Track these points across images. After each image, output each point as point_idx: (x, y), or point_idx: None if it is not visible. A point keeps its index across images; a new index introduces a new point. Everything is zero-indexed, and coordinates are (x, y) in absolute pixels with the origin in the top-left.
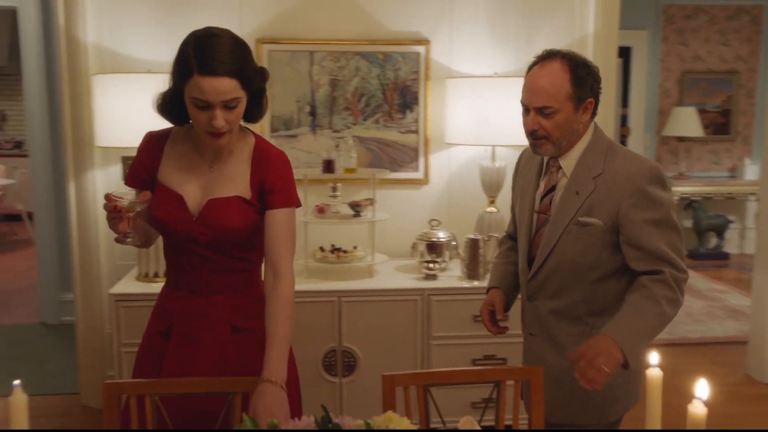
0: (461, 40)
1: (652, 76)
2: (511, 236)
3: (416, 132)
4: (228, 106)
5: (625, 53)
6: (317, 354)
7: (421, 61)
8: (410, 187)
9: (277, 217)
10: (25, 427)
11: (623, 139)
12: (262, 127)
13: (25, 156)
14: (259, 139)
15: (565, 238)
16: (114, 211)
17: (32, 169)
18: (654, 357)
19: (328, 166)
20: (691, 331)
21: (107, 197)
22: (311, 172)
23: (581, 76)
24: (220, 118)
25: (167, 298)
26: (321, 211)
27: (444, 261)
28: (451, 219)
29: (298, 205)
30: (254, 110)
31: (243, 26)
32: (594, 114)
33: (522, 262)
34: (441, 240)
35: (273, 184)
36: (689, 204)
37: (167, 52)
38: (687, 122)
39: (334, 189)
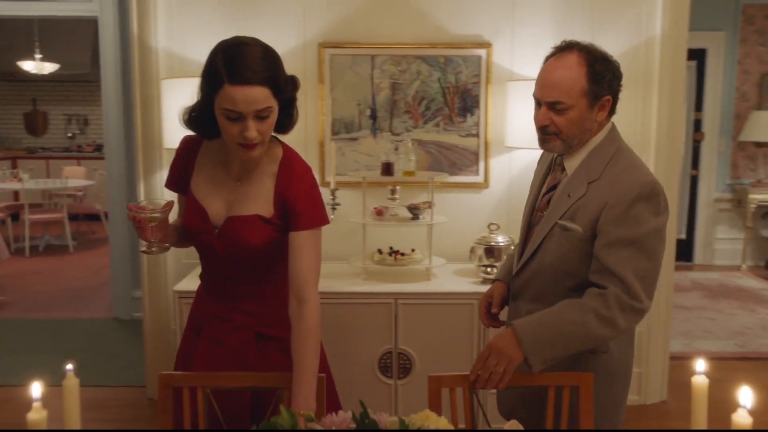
0: (523, 42)
1: (729, 79)
2: None
3: (476, 135)
4: (260, 116)
5: (699, 56)
6: (373, 356)
7: (483, 65)
8: (470, 190)
9: (300, 239)
10: (77, 411)
11: (696, 144)
12: (323, 131)
13: (103, 158)
14: (287, 153)
15: (548, 240)
16: (135, 221)
17: (108, 170)
18: (701, 364)
19: (387, 169)
20: (766, 345)
21: (128, 208)
22: (370, 175)
23: (599, 71)
24: (253, 129)
25: (199, 300)
26: (379, 213)
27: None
28: (510, 223)
29: (324, 223)
30: (284, 120)
31: (306, 31)
32: (612, 112)
33: (515, 259)
34: (500, 244)
35: (295, 203)
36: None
37: None
38: (766, 127)
39: (393, 192)
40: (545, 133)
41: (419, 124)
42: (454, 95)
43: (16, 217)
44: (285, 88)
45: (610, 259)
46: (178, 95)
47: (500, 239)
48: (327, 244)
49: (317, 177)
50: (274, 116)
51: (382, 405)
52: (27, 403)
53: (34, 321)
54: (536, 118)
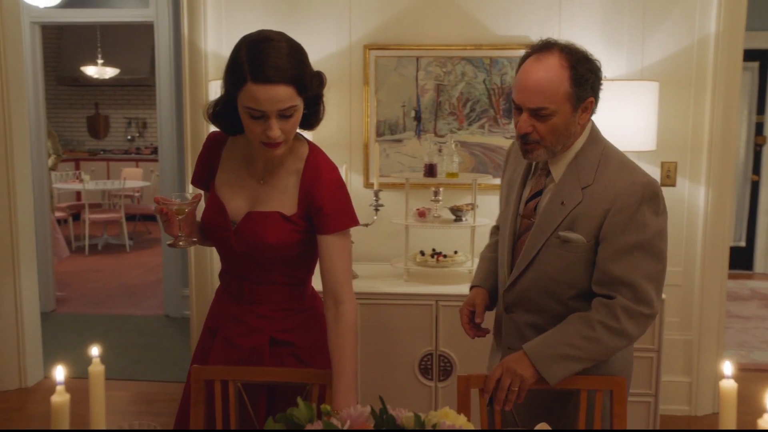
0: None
1: None
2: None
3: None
4: (284, 115)
5: (761, 57)
6: (413, 357)
7: None
8: None
9: (331, 242)
10: (102, 396)
11: (758, 148)
12: (367, 133)
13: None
14: (313, 151)
15: (546, 251)
16: (162, 214)
17: (161, 171)
18: (728, 367)
19: (430, 170)
20: None
21: (155, 200)
22: (413, 177)
23: (582, 73)
24: (276, 129)
25: (218, 300)
26: (422, 215)
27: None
28: None
29: (354, 224)
30: (310, 118)
31: (352, 33)
32: (592, 114)
33: (502, 269)
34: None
35: (323, 204)
36: None
37: None
38: None
39: (436, 193)
40: (527, 142)
41: (464, 125)
42: (499, 97)
43: (77, 216)
44: (310, 86)
45: (619, 267)
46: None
47: None
48: (370, 245)
49: (361, 179)
50: (298, 115)
51: (422, 407)
52: (81, 394)
53: (90, 316)
54: (517, 125)
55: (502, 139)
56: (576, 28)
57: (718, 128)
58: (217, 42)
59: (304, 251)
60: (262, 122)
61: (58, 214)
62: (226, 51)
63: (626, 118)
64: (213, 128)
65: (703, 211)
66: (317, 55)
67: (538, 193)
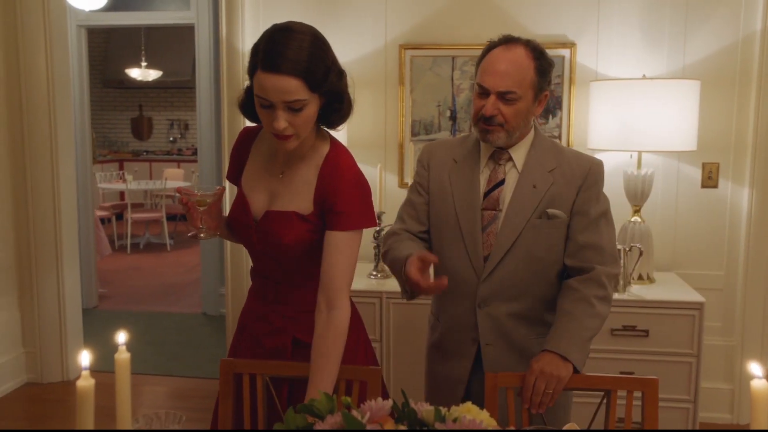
0: (608, 41)
1: None
2: (411, 232)
3: (559, 137)
4: (292, 108)
5: None
6: None
7: (566, 65)
8: None
9: (336, 240)
10: (127, 384)
11: None
12: (402, 133)
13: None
14: (335, 148)
15: (527, 233)
16: (183, 205)
17: (200, 172)
18: (756, 368)
19: None
20: None
21: (178, 191)
22: None
23: (544, 66)
24: (281, 120)
25: (249, 298)
26: None
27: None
28: None
29: (366, 225)
30: (332, 115)
31: (387, 33)
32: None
33: (464, 268)
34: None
35: (335, 202)
36: None
37: None
38: None
39: None
40: (490, 124)
41: None
42: None
43: (120, 216)
44: (324, 82)
45: (590, 235)
46: None
47: None
48: None
49: (395, 179)
50: (309, 110)
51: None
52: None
53: (130, 313)
54: (482, 108)
55: None
56: (615, 26)
57: (763, 128)
58: (255, 42)
59: (319, 252)
60: (271, 112)
61: (102, 213)
62: None
63: (666, 117)
64: (249, 124)
65: (747, 213)
66: (353, 55)
67: (500, 183)
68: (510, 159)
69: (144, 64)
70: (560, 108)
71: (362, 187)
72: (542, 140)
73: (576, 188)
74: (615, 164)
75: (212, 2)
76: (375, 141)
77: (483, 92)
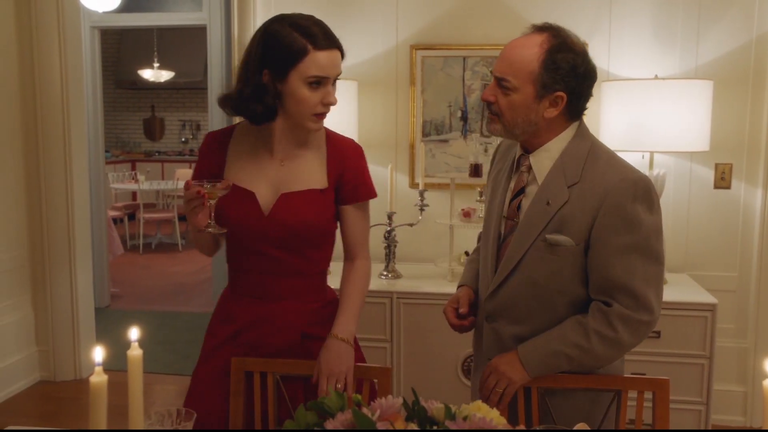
0: (620, 41)
1: None
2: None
3: None
4: (334, 82)
5: None
6: (456, 358)
7: None
8: None
9: (357, 210)
10: (139, 380)
11: None
12: (413, 133)
13: None
14: (328, 130)
15: (531, 256)
16: (197, 197)
17: None
18: None
19: (476, 171)
20: None
21: (188, 184)
22: (459, 177)
23: (556, 60)
24: (334, 94)
25: (233, 304)
26: (467, 215)
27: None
28: None
29: (375, 195)
30: None
31: (398, 33)
32: (573, 115)
33: (485, 275)
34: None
35: (353, 176)
36: None
37: None
38: None
39: (481, 194)
40: (490, 112)
41: None
42: None
43: (132, 216)
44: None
45: (616, 271)
46: None
47: None
48: (414, 246)
49: (406, 179)
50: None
51: None
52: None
53: (142, 312)
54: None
55: None
56: (627, 27)
57: None
58: None
59: (332, 228)
60: (321, 90)
61: (114, 213)
62: None
63: (679, 117)
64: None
65: (760, 214)
66: (364, 56)
67: (521, 191)
68: (530, 167)
69: (156, 64)
70: None
71: (365, 159)
72: (579, 147)
73: (592, 212)
74: None
75: (224, 3)
76: (386, 141)
77: (492, 76)
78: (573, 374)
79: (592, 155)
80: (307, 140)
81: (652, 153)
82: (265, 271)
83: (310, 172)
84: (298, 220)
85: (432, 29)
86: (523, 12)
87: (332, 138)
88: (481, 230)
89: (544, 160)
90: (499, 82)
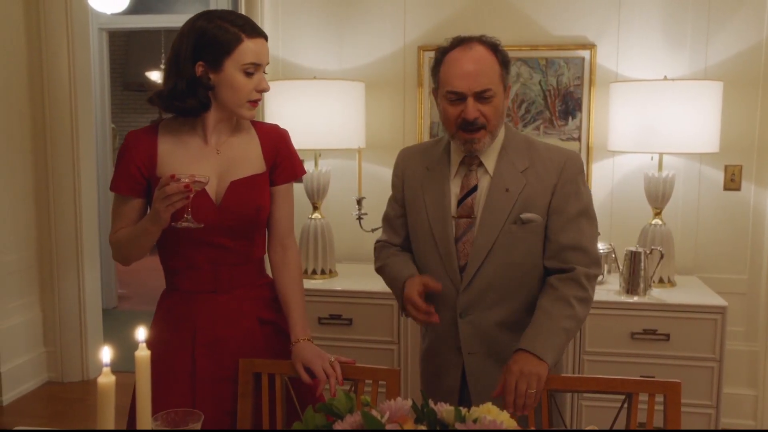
0: (629, 43)
1: None
2: (401, 246)
3: (578, 139)
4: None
5: None
6: None
7: (586, 66)
8: None
9: (284, 191)
10: (147, 381)
11: None
12: (421, 134)
13: None
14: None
15: (503, 240)
16: (182, 192)
17: None
18: None
19: None
20: None
21: (173, 177)
22: None
23: (505, 59)
24: (266, 81)
25: (183, 305)
26: None
27: (602, 274)
28: (612, 230)
29: (304, 172)
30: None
31: (406, 35)
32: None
33: (442, 278)
34: (600, 252)
35: (284, 158)
36: None
37: (332, 61)
38: None
39: None
40: (472, 129)
41: (519, 127)
42: (555, 98)
43: None
44: None
45: (571, 235)
46: (281, 98)
47: (600, 246)
48: None
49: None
50: None
51: None
52: None
53: (149, 313)
54: (463, 113)
55: (558, 141)
56: (635, 27)
57: None
58: (274, 46)
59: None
60: (256, 78)
61: None
62: (282, 54)
63: (688, 119)
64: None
65: None
66: (371, 57)
67: (473, 190)
68: (481, 164)
69: (164, 66)
70: (580, 110)
71: (291, 140)
72: (514, 138)
73: (551, 187)
74: (636, 166)
75: (232, 5)
76: (393, 142)
77: (457, 98)
78: (583, 378)
79: (530, 143)
80: (239, 128)
81: (661, 154)
82: (217, 262)
83: (248, 158)
84: (251, 207)
85: (440, 30)
86: (531, 13)
87: (258, 124)
88: (380, 241)
89: (491, 154)
90: (480, 95)
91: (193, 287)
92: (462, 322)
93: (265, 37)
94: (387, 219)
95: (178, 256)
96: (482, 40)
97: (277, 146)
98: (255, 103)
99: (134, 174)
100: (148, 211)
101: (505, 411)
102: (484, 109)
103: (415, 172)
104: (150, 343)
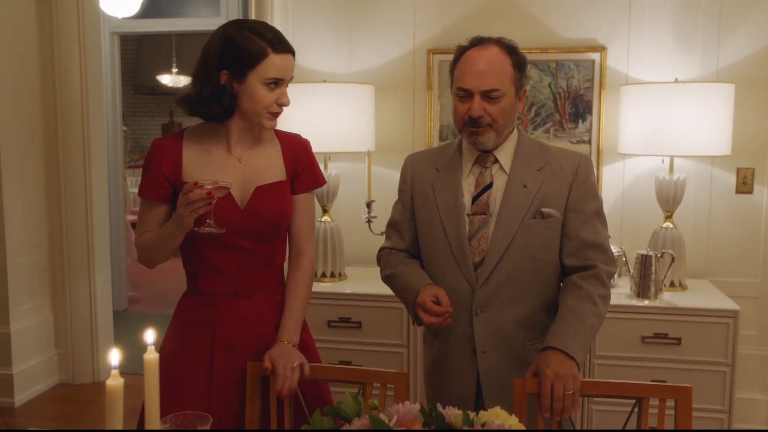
0: (640, 45)
1: None
2: (407, 252)
3: (588, 142)
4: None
5: None
6: None
7: (596, 69)
8: None
9: (306, 199)
10: (156, 383)
11: None
12: (430, 137)
13: None
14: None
15: (522, 234)
16: (205, 198)
17: None
18: None
19: None
20: None
21: (196, 185)
22: None
23: (520, 61)
24: (287, 95)
25: (204, 308)
26: None
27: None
28: (623, 233)
29: (323, 182)
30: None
31: (416, 38)
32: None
33: (454, 277)
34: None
35: (305, 166)
36: None
37: (342, 64)
38: None
39: None
40: (478, 126)
41: (529, 130)
42: (565, 101)
43: None
44: None
45: (590, 233)
46: (291, 101)
47: (613, 249)
48: None
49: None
50: None
51: None
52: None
53: (160, 315)
54: (470, 110)
55: (568, 144)
56: (646, 30)
57: None
58: None
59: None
60: (277, 91)
61: (133, 217)
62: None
63: (700, 121)
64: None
65: None
66: (381, 60)
67: (488, 187)
68: (496, 161)
69: (175, 70)
70: (590, 112)
71: (312, 150)
72: (527, 139)
73: (568, 185)
74: (646, 169)
75: (242, 9)
76: (403, 145)
77: (465, 95)
78: (594, 381)
79: (541, 145)
80: (261, 137)
81: (672, 157)
82: (239, 265)
83: (270, 166)
84: (275, 211)
85: (449, 33)
86: (540, 16)
87: (281, 134)
88: (385, 250)
89: (507, 153)
90: (488, 94)
91: (215, 290)
92: (477, 320)
93: (293, 53)
94: (392, 224)
95: (202, 259)
96: (499, 42)
97: (298, 155)
98: (276, 114)
99: (161, 180)
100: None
101: (513, 416)
102: (490, 109)
103: (424, 174)
104: (167, 345)
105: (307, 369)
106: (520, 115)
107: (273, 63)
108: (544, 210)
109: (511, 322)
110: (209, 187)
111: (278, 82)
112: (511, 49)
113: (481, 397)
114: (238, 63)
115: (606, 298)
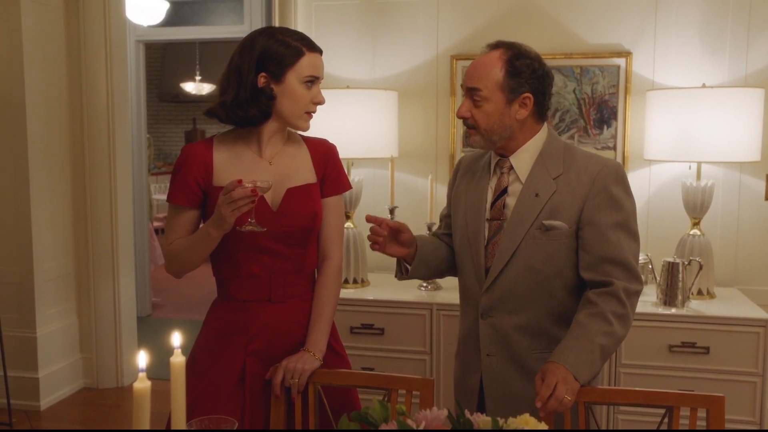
0: (666, 50)
1: None
2: (449, 244)
3: (613, 148)
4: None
5: None
6: None
7: (621, 74)
8: None
9: (334, 203)
10: (182, 386)
11: None
12: (454, 143)
13: None
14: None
15: (527, 244)
16: (249, 196)
17: None
18: None
19: None
20: None
21: (239, 183)
22: None
23: (517, 66)
24: (321, 93)
25: (235, 313)
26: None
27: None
28: (649, 241)
29: (351, 186)
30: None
31: (439, 44)
32: (541, 115)
33: (469, 278)
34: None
35: (333, 170)
36: None
37: (365, 70)
38: None
39: None
40: (467, 127)
41: None
42: (590, 107)
43: None
44: None
45: (607, 247)
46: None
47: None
48: None
49: (446, 190)
50: None
51: None
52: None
53: (183, 321)
54: (457, 110)
55: (593, 150)
56: (673, 35)
57: None
58: None
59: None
60: (314, 90)
61: (156, 224)
62: None
63: (728, 127)
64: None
65: None
66: (405, 66)
67: (503, 192)
68: (512, 167)
69: (198, 77)
70: (615, 118)
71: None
72: (553, 144)
73: (582, 197)
74: (673, 175)
75: (266, 16)
76: (426, 152)
77: (464, 93)
78: (622, 390)
79: (568, 150)
80: (290, 142)
81: (699, 163)
82: (272, 270)
83: (300, 169)
84: (307, 213)
85: (472, 39)
86: (565, 21)
87: (308, 138)
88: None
89: (524, 159)
90: (471, 95)
91: (248, 296)
92: (483, 323)
93: (321, 52)
94: (441, 216)
95: (234, 264)
96: (508, 46)
97: (326, 158)
98: (310, 114)
99: (191, 185)
100: (202, 223)
101: (544, 424)
102: (474, 112)
103: (465, 175)
104: (199, 352)
105: (303, 380)
106: None
107: (308, 61)
108: (547, 222)
109: (514, 329)
110: (251, 185)
111: (314, 80)
112: (514, 55)
113: (483, 395)
114: (277, 63)
115: (623, 317)
